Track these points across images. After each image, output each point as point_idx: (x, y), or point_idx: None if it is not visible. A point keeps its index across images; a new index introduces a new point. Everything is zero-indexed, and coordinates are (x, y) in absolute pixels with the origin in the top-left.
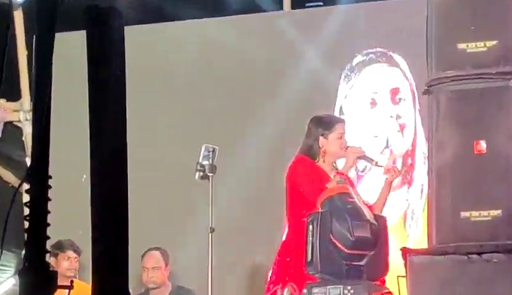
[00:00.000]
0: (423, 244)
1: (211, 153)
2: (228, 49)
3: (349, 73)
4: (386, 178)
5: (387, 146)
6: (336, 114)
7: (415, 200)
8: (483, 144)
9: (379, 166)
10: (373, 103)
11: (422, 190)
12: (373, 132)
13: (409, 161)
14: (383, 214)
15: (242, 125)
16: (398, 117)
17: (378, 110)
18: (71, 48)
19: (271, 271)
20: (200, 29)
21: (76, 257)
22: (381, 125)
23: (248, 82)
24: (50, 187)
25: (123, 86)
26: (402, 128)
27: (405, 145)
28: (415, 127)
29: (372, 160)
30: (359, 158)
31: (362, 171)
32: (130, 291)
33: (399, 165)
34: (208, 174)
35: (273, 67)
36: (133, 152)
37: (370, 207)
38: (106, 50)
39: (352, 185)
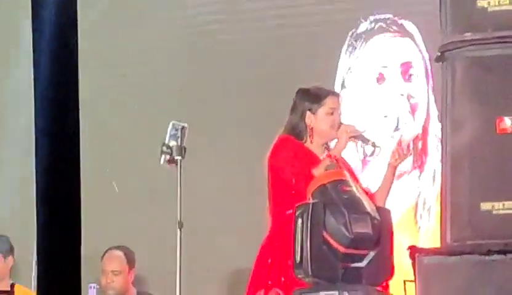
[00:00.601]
0: (436, 239)
1: (179, 131)
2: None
3: (353, 42)
4: (389, 162)
5: (397, 128)
6: (337, 89)
7: (427, 188)
8: (507, 122)
9: (376, 147)
10: (381, 78)
11: (434, 177)
12: (382, 112)
13: (419, 145)
14: (387, 205)
15: (216, 97)
16: (410, 96)
17: (387, 86)
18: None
19: (251, 274)
20: None
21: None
22: (391, 104)
23: (228, 52)
24: None
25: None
26: (413, 108)
27: (415, 128)
28: (428, 107)
29: (368, 141)
30: (353, 138)
31: (370, 155)
32: None
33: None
34: (176, 157)
35: (258, 33)
36: (86, 131)
37: (371, 196)
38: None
39: (349, 170)
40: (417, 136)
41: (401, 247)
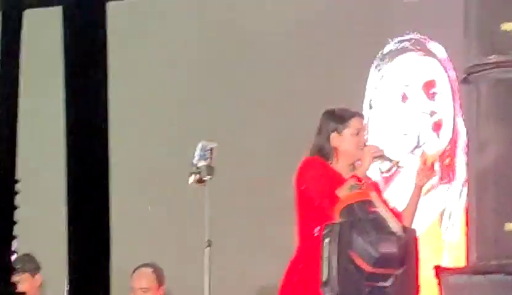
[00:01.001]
0: (461, 252)
1: (208, 152)
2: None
3: (380, 62)
4: (416, 182)
5: (418, 145)
6: (365, 108)
7: (453, 202)
8: None
9: (399, 166)
10: (405, 97)
11: (461, 193)
12: (402, 130)
13: (446, 161)
14: (413, 224)
15: (244, 118)
16: (433, 113)
17: (410, 105)
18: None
19: (279, 292)
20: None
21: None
22: (412, 121)
23: (255, 69)
24: (16, 193)
25: (105, 74)
26: (437, 125)
27: (440, 145)
28: (455, 124)
29: (391, 160)
30: (376, 158)
31: (387, 172)
32: None
33: (435, 166)
34: (205, 177)
35: (285, 52)
36: (116, 152)
37: (398, 215)
38: (87, 32)
39: (377, 190)
40: (444, 152)
41: (426, 260)
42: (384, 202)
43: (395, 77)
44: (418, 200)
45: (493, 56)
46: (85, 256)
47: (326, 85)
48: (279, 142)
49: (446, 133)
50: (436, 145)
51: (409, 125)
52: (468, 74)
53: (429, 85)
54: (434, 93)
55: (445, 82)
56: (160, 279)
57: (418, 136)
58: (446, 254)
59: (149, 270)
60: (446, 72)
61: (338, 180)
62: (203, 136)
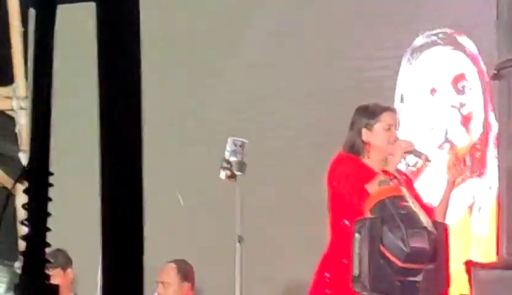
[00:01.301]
0: (490, 246)
1: (239, 147)
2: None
3: (410, 56)
4: (448, 178)
5: (446, 140)
6: (397, 102)
7: (483, 196)
8: None
9: (428, 161)
10: (433, 91)
11: (491, 186)
12: (430, 123)
13: (477, 155)
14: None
15: (276, 112)
16: (462, 106)
17: (438, 99)
18: (76, 23)
19: (310, 288)
20: None
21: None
22: (440, 115)
23: (288, 64)
24: (51, 185)
25: (139, 70)
26: (466, 119)
27: (470, 139)
28: (486, 118)
29: (421, 154)
30: (407, 153)
31: (413, 166)
32: None
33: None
34: (236, 172)
35: (316, 48)
36: (149, 147)
37: (431, 210)
38: (121, 27)
39: (409, 185)
40: (474, 146)
41: (455, 254)
42: (417, 196)
43: (424, 70)
44: (450, 196)
45: None
46: (118, 251)
47: (359, 80)
48: (312, 138)
49: (476, 127)
50: (465, 139)
51: (437, 118)
52: (499, 69)
53: (458, 79)
54: (463, 87)
55: (474, 75)
56: (183, 276)
57: (446, 130)
58: (475, 248)
59: (172, 265)
60: (476, 66)
61: (369, 175)
62: (233, 132)
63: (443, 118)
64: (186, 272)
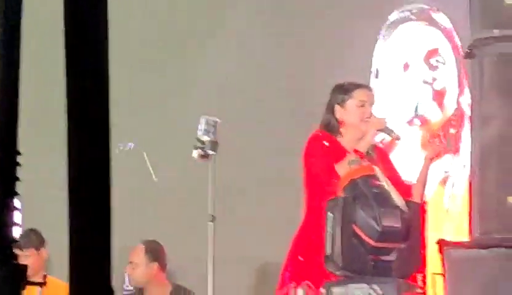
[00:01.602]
0: (463, 223)
1: (212, 127)
2: None
3: (385, 32)
4: (425, 155)
5: (416, 115)
6: (372, 78)
7: (457, 173)
8: None
9: (397, 139)
10: (406, 66)
11: (465, 165)
12: (401, 99)
13: (452, 131)
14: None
15: (248, 92)
16: (434, 81)
17: (411, 74)
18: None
19: (283, 267)
20: None
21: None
22: (412, 90)
23: (262, 44)
24: (19, 153)
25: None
26: (439, 94)
27: (443, 115)
28: (461, 94)
29: (392, 132)
30: (379, 130)
31: (381, 142)
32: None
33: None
34: (209, 152)
35: (291, 26)
36: (118, 125)
37: (408, 187)
38: (89, 15)
39: (385, 159)
40: (449, 122)
41: (428, 229)
42: (393, 171)
43: (397, 46)
44: (428, 171)
45: (496, 30)
46: (86, 230)
47: (334, 58)
48: (283, 116)
49: (450, 102)
50: (437, 114)
51: (409, 93)
52: (472, 48)
53: (431, 54)
54: (437, 62)
55: (449, 51)
56: (152, 256)
57: (417, 105)
58: (448, 224)
59: (141, 246)
60: (450, 42)
61: (342, 155)
62: (207, 111)
63: (414, 93)
64: (155, 253)
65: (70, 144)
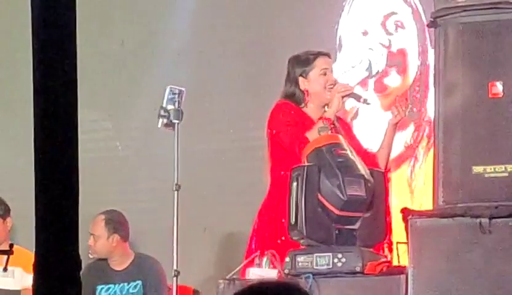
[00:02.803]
0: (428, 193)
1: (177, 96)
2: None
3: (349, 0)
4: (389, 120)
5: (370, 76)
6: (337, 48)
7: (421, 143)
8: (499, 86)
9: (367, 104)
10: (365, 33)
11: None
12: (355, 61)
13: (417, 96)
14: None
15: (213, 61)
16: (391, 46)
17: (369, 39)
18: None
19: (249, 236)
20: None
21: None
22: (368, 53)
23: (224, 14)
24: None
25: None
26: (398, 59)
27: (403, 80)
28: (424, 60)
29: (360, 97)
30: (346, 96)
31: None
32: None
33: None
34: (174, 121)
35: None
36: (85, 95)
37: (373, 156)
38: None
39: (348, 131)
40: (414, 87)
41: (393, 198)
42: (356, 142)
43: (357, 11)
44: (393, 139)
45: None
46: (52, 199)
47: (300, 29)
48: (248, 85)
49: (411, 67)
50: (397, 80)
51: (364, 56)
52: (435, 18)
53: (387, 18)
54: (395, 25)
55: (408, 16)
56: (112, 227)
57: (370, 67)
58: (412, 193)
59: (101, 217)
60: (410, 7)
61: (308, 123)
62: (172, 81)
63: (368, 56)
64: (115, 224)
65: (36, 118)
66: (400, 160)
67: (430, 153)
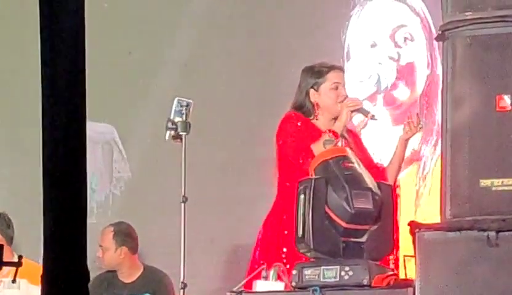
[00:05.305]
0: (434, 204)
1: (184, 108)
2: None
3: (357, 11)
4: (400, 136)
5: (378, 91)
6: (345, 58)
7: (429, 152)
8: (507, 100)
9: (374, 119)
10: (374, 45)
11: (436, 144)
12: (364, 75)
13: (424, 109)
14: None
15: (221, 73)
16: (400, 59)
17: (377, 51)
18: None
19: (254, 248)
20: None
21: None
22: (377, 67)
23: (235, 26)
24: None
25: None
26: (406, 72)
27: (411, 92)
28: (433, 72)
29: (368, 112)
30: (355, 112)
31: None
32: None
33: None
34: (181, 133)
35: (265, 10)
36: (93, 105)
37: (383, 171)
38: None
39: (358, 144)
40: (422, 100)
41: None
42: (366, 156)
43: (365, 23)
44: (404, 154)
45: (468, 12)
46: (61, 213)
47: (307, 40)
48: (256, 98)
49: (419, 80)
50: (406, 93)
51: (372, 70)
52: (444, 31)
53: (397, 31)
54: (404, 38)
55: (417, 28)
56: (121, 240)
57: (379, 82)
58: (420, 204)
59: (110, 229)
60: (419, 18)
61: (316, 135)
62: (179, 93)
63: (377, 70)
64: (124, 236)
65: (45, 128)
66: (409, 170)
67: (438, 163)
